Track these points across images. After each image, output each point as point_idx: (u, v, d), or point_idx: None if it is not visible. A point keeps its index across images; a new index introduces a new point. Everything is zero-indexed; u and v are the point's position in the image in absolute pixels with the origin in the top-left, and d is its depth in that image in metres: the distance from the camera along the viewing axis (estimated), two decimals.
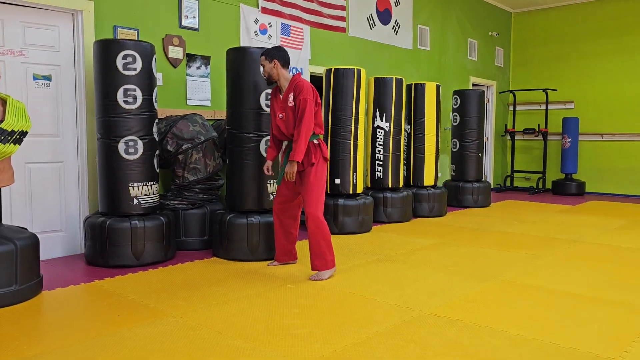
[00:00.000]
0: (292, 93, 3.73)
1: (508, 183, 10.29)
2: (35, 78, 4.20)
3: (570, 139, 9.28)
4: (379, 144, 6.06)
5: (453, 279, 3.76)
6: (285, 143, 3.95)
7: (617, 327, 2.84)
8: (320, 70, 6.40)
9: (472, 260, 4.32)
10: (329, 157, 3.88)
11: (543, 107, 9.92)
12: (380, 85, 6.04)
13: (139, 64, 4.03)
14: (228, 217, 4.27)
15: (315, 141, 3.80)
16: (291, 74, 3.85)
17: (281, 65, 3.78)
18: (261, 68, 3.85)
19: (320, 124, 3.84)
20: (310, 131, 3.68)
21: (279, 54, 3.78)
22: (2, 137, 3.06)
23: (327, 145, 5.35)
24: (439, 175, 8.20)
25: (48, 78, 4.27)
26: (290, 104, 3.73)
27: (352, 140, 5.52)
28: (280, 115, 3.80)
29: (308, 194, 3.76)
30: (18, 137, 3.15)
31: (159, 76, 4.87)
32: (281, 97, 3.80)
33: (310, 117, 3.66)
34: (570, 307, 3.16)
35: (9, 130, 3.09)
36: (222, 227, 4.29)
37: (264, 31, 5.83)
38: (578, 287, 3.58)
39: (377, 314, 3.01)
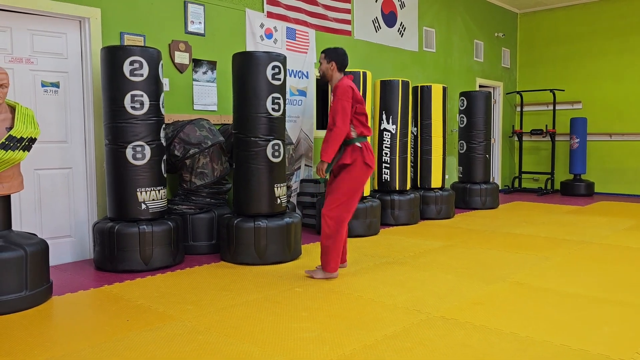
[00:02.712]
0: (333, 94, 3.83)
1: (516, 184, 10.24)
2: (43, 85, 4.24)
3: (578, 140, 9.22)
4: (385, 147, 6.06)
5: (461, 281, 3.75)
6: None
7: (628, 329, 2.81)
8: None
9: (480, 262, 4.31)
10: (373, 165, 3.79)
11: (550, 107, 9.87)
12: (387, 87, 6.04)
13: (145, 70, 4.06)
14: (235, 221, 4.28)
15: (358, 144, 3.77)
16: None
17: (337, 68, 3.88)
18: (319, 64, 3.98)
19: (364, 123, 3.82)
20: (341, 131, 3.66)
21: (337, 57, 3.87)
22: (12, 144, 3.09)
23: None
24: (447, 177, 8.18)
25: (56, 85, 4.31)
26: (331, 104, 3.82)
27: None
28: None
29: (329, 192, 3.79)
30: (27, 144, 3.18)
31: (165, 82, 4.90)
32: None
33: (341, 117, 3.66)
34: (580, 309, 3.14)
35: (18, 137, 3.11)
36: (230, 231, 4.30)
37: (269, 35, 5.85)
38: (588, 289, 3.55)
39: (386, 317, 3.00)
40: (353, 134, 3.79)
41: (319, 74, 3.92)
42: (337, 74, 3.88)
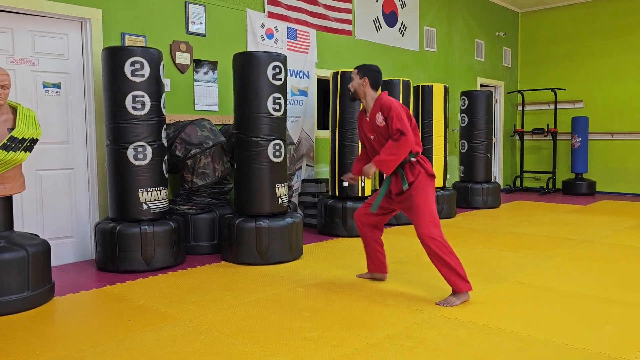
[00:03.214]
0: (379, 113, 3.42)
1: (517, 184, 10.23)
2: (45, 86, 4.24)
3: (580, 139, 9.21)
4: None
5: None
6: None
7: (630, 328, 2.81)
8: (327, 73, 6.41)
9: (482, 262, 4.30)
10: (434, 173, 3.46)
11: (552, 106, 9.86)
12: (388, 87, 6.03)
13: (146, 71, 4.06)
14: (237, 222, 4.28)
15: (413, 159, 3.39)
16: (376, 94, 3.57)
17: (370, 85, 3.54)
18: (350, 81, 3.64)
19: (418, 141, 3.47)
20: (408, 145, 3.30)
21: (371, 74, 3.53)
22: (13, 145, 3.09)
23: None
24: (448, 176, 8.16)
25: (57, 86, 4.31)
26: (380, 124, 3.43)
27: (360, 143, 5.51)
28: (372, 137, 3.52)
29: (417, 214, 3.32)
30: (28, 144, 3.18)
31: (166, 82, 4.90)
32: (367, 118, 3.54)
33: (406, 137, 3.28)
34: (582, 308, 3.14)
35: (20, 138, 3.12)
36: (231, 232, 4.30)
37: (270, 35, 5.85)
38: (590, 288, 3.55)
39: (388, 317, 3.00)
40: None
41: (350, 91, 3.60)
42: (370, 90, 3.54)
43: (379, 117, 3.43)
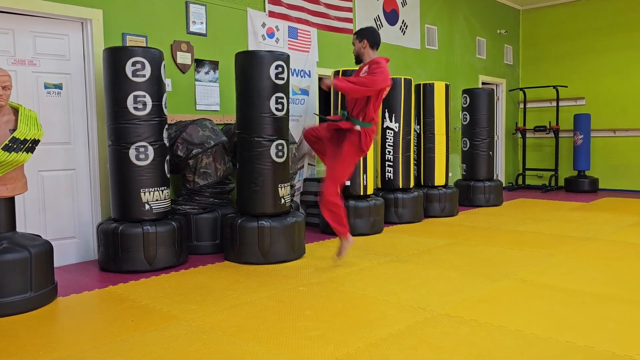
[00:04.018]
0: (367, 66, 3.89)
1: (520, 181, 10.22)
2: (46, 87, 4.24)
3: (582, 136, 9.19)
4: (388, 145, 6.05)
5: (466, 278, 3.74)
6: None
7: (633, 326, 2.80)
8: (328, 72, 6.40)
9: (485, 260, 4.30)
10: (365, 149, 4.06)
11: (554, 104, 9.84)
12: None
13: (148, 71, 4.06)
14: (239, 221, 4.28)
15: (367, 127, 3.97)
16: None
17: (369, 45, 4.00)
18: (353, 46, 4.11)
19: (374, 116, 4.01)
20: (367, 88, 3.77)
21: (368, 35, 4.00)
22: (15, 146, 3.09)
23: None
24: (450, 174, 8.15)
25: (59, 86, 4.32)
26: (363, 74, 3.87)
27: None
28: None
29: (335, 165, 4.03)
30: (30, 145, 3.18)
31: (168, 82, 4.90)
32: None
33: (373, 81, 3.76)
34: (585, 306, 3.13)
35: (22, 139, 3.12)
36: (233, 231, 4.30)
37: (271, 35, 5.85)
38: (593, 285, 3.54)
39: (390, 315, 3.00)
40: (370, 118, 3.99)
41: (355, 54, 4.09)
42: (370, 50, 4.01)
43: (365, 69, 3.93)
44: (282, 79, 4.32)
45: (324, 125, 4.24)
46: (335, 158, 4.04)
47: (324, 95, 7.41)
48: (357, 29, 6.82)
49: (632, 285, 3.53)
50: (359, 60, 4.08)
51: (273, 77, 4.26)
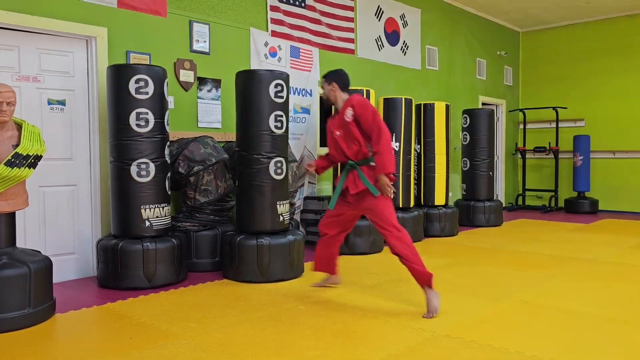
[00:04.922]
0: (349, 108, 3.58)
1: (520, 202, 10.22)
2: (50, 103, 4.27)
3: (582, 157, 9.22)
4: None
5: (466, 299, 3.72)
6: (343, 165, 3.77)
7: (635, 348, 2.78)
8: None
9: (485, 280, 4.28)
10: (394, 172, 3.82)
11: (553, 125, 9.89)
12: (390, 105, 6.07)
13: (151, 88, 4.09)
14: (238, 239, 4.28)
15: (372, 163, 3.55)
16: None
17: (339, 88, 3.74)
18: (321, 90, 3.92)
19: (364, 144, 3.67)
20: (389, 137, 3.47)
21: (337, 78, 3.75)
22: (18, 161, 3.11)
23: None
24: (450, 194, 8.16)
25: (62, 103, 4.35)
26: (348, 119, 3.58)
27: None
28: (337, 132, 3.66)
29: (382, 218, 3.48)
30: (33, 161, 3.20)
31: (170, 99, 4.93)
32: (337, 117, 3.70)
33: (383, 125, 3.47)
34: (586, 328, 3.11)
35: (24, 154, 3.14)
36: (232, 249, 4.29)
37: (273, 54, 5.91)
38: (594, 307, 3.52)
39: (391, 335, 2.98)
40: (369, 152, 3.60)
41: (324, 98, 3.83)
42: (340, 93, 3.74)
43: (348, 112, 3.59)
44: (282, 97, 4.35)
45: (334, 209, 3.78)
46: (374, 216, 3.53)
47: (324, 115, 7.45)
48: (360, 50, 6.94)
49: (634, 308, 3.51)
50: (329, 103, 3.82)
51: (272, 95, 4.29)
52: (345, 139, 3.63)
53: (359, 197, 3.59)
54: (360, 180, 3.55)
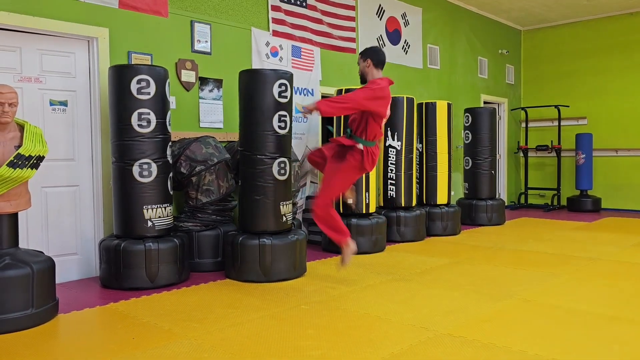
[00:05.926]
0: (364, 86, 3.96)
1: (522, 200, 10.20)
2: (51, 104, 4.28)
3: (584, 155, 9.20)
4: (391, 163, 6.06)
5: (469, 298, 3.72)
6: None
7: (638, 347, 2.78)
8: (331, 91, 6.44)
9: (487, 279, 4.28)
10: (368, 168, 4.04)
11: (555, 123, 9.87)
12: (391, 104, 6.05)
13: (152, 88, 4.10)
14: (240, 239, 4.28)
15: (369, 146, 3.97)
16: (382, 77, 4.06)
17: (374, 65, 4.02)
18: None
19: (380, 132, 4.04)
20: (347, 105, 3.83)
21: (372, 54, 4.03)
22: (20, 162, 3.11)
23: None
24: (452, 193, 8.15)
25: (64, 103, 4.36)
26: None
27: None
28: None
29: (330, 180, 4.01)
30: (35, 162, 3.20)
31: (172, 100, 4.94)
32: None
33: (351, 97, 3.82)
34: (589, 326, 3.11)
35: (27, 155, 3.14)
36: (235, 249, 4.30)
37: (275, 54, 5.91)
38: (597, 306, 3.51)
39: (393, 335, 2.98)
40: (365, 135, 3.97)
41: (360, 74, 4.12)
42: (374, 70, 4.02)
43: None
44: (285, 97, 4.35)
45: (327, 146, 4.26)
46: (333, 172, 4.03)
47: None
48: (362, 49, 6.93)
49: (637, 306, 3.50)
50: (363, 79, 4.07)
51: (276, 95, 4.29)
52: (355, 114, 4.00)
53: (344, 150, 4.01)
54: (351, 140, 4.00)
